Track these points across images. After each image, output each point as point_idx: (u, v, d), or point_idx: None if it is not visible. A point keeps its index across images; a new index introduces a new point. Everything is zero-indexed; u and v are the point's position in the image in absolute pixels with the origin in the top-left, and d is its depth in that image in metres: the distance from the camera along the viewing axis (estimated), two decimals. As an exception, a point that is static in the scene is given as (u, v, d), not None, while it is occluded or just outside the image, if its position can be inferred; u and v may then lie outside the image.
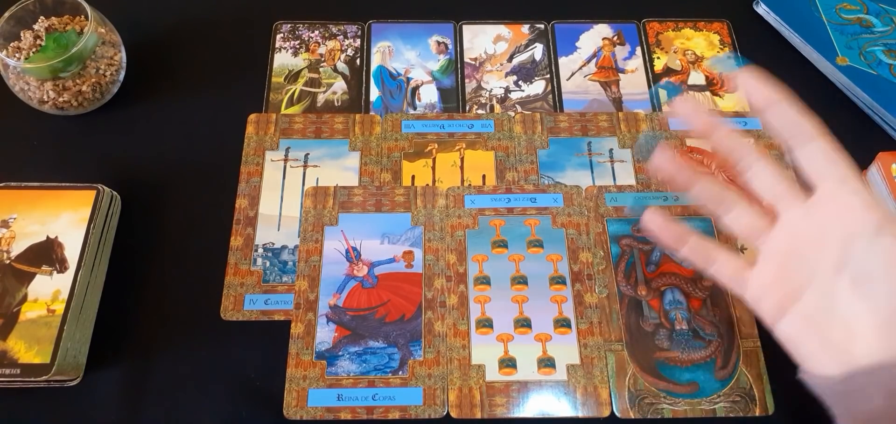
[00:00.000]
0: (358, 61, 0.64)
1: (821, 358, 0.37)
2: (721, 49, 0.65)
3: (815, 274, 0.38)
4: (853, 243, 0.37)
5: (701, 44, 0.65)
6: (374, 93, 0.62)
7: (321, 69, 0.63)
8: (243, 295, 0.51)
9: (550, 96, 0.62)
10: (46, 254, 0.49)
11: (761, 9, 0.66)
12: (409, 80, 0.63)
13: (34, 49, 0.57)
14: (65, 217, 0.50)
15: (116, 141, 0.58)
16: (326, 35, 0.65)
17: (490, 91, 0.62)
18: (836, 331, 0.37)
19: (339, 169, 0.57)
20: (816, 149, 0.38)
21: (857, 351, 0.36)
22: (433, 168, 0.57)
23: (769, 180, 0.40)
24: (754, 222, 0.41)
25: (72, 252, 0.48)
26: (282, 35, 0.65)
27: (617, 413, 0.47)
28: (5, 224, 0.50)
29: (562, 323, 0.50)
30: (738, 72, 0.41)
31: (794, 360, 0.39)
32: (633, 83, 0.63)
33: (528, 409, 0.47)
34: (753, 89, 0.40)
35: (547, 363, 0.49)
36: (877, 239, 0.36)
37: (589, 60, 0.64)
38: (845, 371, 0.36)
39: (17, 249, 0.49)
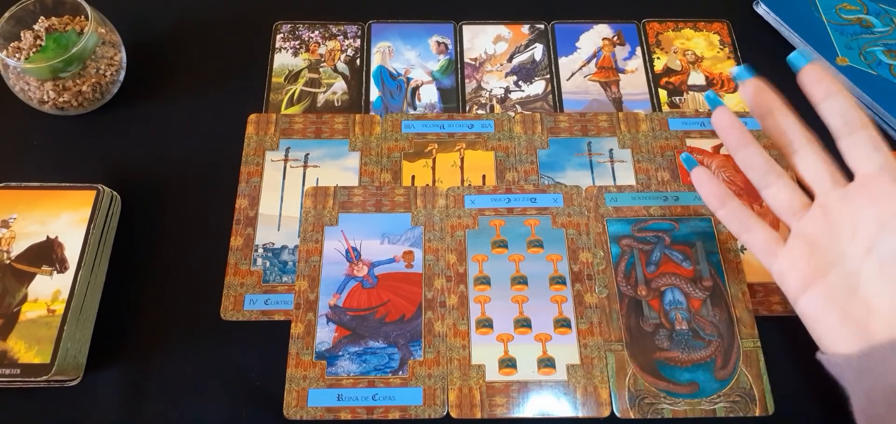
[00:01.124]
0: (358, 61, 0.64)
1: (839, 335, 0.39)
2: (721, 49, 0.65)
3: (844, 255, 0.40)
4: (885, 227, 0.38)
5: (701, 44, 0.65)
6: (374, 93, 0.62)
7: (321, 69, 0.63)
8: (243, 295, 0.51)
9: (550, 96, 0.62)
10: (46, 254, 0.49)
11: (761, 9, 0.66)
12: (409, 80, 0.63)
13: (34, 49, 0.57)
14: (65, 217, 0.50)
15: (116, 141, 0.58)
16: (326, 35, 0.65)
17: (490, 91, 0.62)
18: (856, 309, 0.38)
19: (339, 169, 0.57)
20: (862, 138, 0.40)
21: (875, 329, 0.37)
22: (433, 168, 0.57)
23: (814, 164, 0.42)
24: (793, 199, 0.43)
25: (72, 252, 0.48)
26: (282, 35, 0.65)
27: (617, 413, 0.47)
28: (5, 224, 0.50)
29: (562, 323, 0.50)
30: (807, 67, 0.42)
31: (813, 337, 0.41)
32: (633, 83, 0.63)
33: (528, 409, 0.47)
34: (817, 82, 0.42)
35: (547, 363, 0.49)
36: None
37: (589, 61, 0.64)
38: (863, 347, 0.37)
39: (17, 249, 0.49)
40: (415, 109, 0.61)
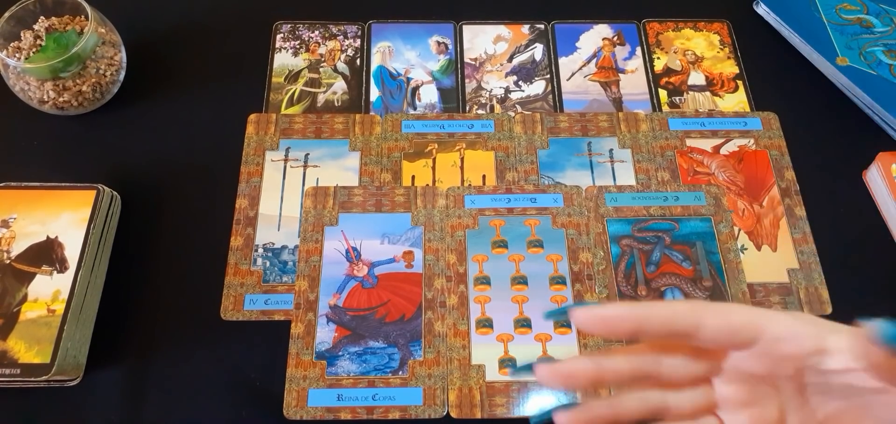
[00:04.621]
0: (358, 61, 0.64)
1: None
2: (721, 49, 0.65)
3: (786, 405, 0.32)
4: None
5: (701, 44, 0.65)
6: (374, 93, 0.62)
7: (321, 69, 0.63)
8: (243, 295, 0.51)
9: (550, 96, 0.62)
10: (46, 254, 0.49)
11: (761, 9, 0.66)
12: (409, 80, 0.63)
13: (34, 49, 0.57)
14: (65, 217, 0.50)
15: (116, 141, 0.58)
16: (326, 35, 0.65)
17: (490, 91, 0.62)
18: None
19: (339, 169, 0.57)
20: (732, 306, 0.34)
21: None
22: (433, 168, 0.57)
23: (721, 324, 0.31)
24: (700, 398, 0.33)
25: (72, 252, 0.48)
26: (282, 35, 0.65)
27: (617, 414, 0.47)
28: (5, 224, 0.50)
29: (562, 323, 0.50)
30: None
31: None
32: (633, 83, 0.63)
33: (528, 409, 0.47)
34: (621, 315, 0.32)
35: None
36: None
37: (589, 61, 0.64)
38: None
39: (18, 249, 0.49)
40: (415, 109, 0.61)
